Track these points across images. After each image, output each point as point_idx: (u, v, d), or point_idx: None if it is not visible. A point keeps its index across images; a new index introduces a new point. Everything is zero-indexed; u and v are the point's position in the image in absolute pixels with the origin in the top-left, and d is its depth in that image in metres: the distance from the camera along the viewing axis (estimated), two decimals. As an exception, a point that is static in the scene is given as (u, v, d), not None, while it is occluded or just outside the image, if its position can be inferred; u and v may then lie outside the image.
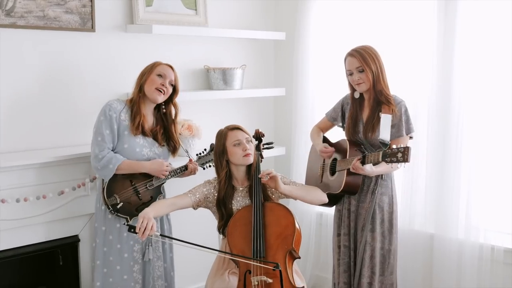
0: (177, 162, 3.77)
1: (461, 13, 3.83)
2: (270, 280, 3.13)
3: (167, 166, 3.54)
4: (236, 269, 3.35)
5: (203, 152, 3.78)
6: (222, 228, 3.45)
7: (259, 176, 3.34)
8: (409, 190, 4.14)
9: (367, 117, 3.60)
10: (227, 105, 4.65)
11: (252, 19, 4.77)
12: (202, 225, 4.04)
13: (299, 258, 3.34)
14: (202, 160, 3.74)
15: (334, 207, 3.80)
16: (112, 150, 3.46)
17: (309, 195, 3.51)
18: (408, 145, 3.22)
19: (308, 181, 3.88)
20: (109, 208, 3.46)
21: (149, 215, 3.10)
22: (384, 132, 3.47)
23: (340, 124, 3.80)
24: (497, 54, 3.82)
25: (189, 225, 4.13)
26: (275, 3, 4.91)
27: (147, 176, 3.53)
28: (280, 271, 3.11)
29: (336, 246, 3.79)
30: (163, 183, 3.59)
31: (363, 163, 3.37)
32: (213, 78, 4.39)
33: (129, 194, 3.49)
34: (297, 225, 3.34)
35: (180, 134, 4.09)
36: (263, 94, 4.67)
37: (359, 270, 3.66)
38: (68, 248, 3.72)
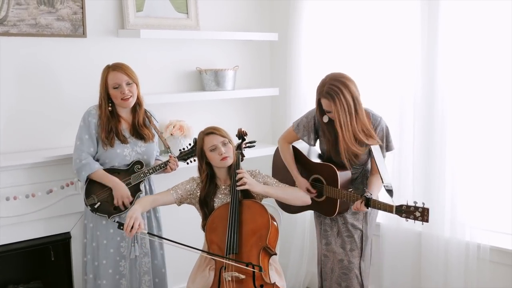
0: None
1: (443, 12, 3.86)
2: (242, 276, 3.23)
3: (128, 200, 3.63)
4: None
5: (187, 147, 3.88)
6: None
7: (237, 184, 3.42)
8: (396, 186, 4.16)
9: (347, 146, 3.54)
10: (221, 106, 4.76)
11: (247, 20, 4.85)
12: (191, 223, 4.13)
13: (275, 254, 3.42)
14: (184, 156, 3.85)
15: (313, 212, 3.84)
16: (94, 154, 3.63)
17: (288, 195, 3.55)
18: (426, 206, 3.22)
19: None
20: (87, 207, 3.64)
21: (136, 214, 3.26)
22: (384, 173, 3.39)
23: (312, 142, 3.69)
24: (479, 52, 3.84)
25: (179, 222, 4.26)
26: (269, 4, 4.98)
27: (126, 174, 3.66)
28: (253, 267, 3.22)
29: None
30: (142, 181, 3.70)
31: (367, 205, 3.36)
32: (205, 80, 4.50)
33: (107, 194, 3.64)
34: (274, 223, 3.43)
35: (171, 134, 4.25)
36: (255, 94, 4.75)
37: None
38: (59, 244, 3.88)
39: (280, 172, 3.91)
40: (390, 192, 3.38)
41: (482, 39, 3.83)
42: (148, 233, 3.31)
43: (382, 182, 3.39)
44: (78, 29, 4.02)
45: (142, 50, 4.31)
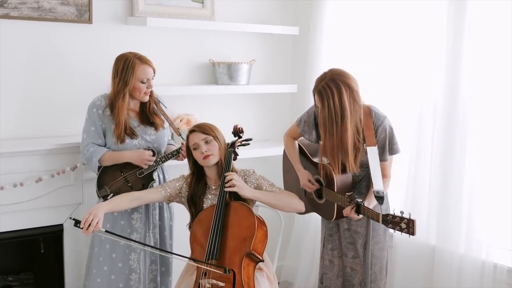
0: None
1: (470, 14, 3.63)
2: (221, 284, 3.01)
3: (150, 156, 3.51)
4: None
5: None
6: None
7: (226, 185, 3.24)
8: (411, 196, 3.94)
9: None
10: (236, 101, 4.56)
11: (266, 13, 4.64)
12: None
13: (261, 261, 3.19)
14: None
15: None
16: (104, 145, 3.53)
17: (279, 202, 3.31)
18: (412, 218, 2.92)
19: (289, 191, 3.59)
20: (100, 199, 3.54)
21: (97, 211, 3.11)
22: (376, 178, 3.14)
23: (313, 138, 3.48)
24: (507, 57, 3.56)
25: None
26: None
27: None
28: (234, 275, 3.01)
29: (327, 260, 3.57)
30: (154, 170, 3.56)
31: (358, 212, 3.12)
32: (218, 73, 4.31)
33: (119, 185, 3.53)
34: (263, 228, 3.21)
35: (178, 128, 4.09)
36: (270, 90, 4.53)
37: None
38: (51, 236, 3.76)
39: (289, 171, 3.70)
40: (379, 199, 3.13)
41: (510, 43, 3.54)
42: (106, 231, 3.14)
43: (372, 187, 3.15)
44: (84, 14, 3.89)
45: (152, 39, 4.15)
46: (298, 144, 3.61)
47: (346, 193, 3.22)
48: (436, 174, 3.84)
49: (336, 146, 3.19)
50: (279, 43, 4.72)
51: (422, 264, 3.92)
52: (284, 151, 3.75)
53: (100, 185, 3.54)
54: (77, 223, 3.05)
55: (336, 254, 3.49)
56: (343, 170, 3.29)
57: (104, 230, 3.12)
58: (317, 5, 4.44)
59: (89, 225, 3.05)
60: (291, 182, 3.68)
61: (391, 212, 3.00)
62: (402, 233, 2.93)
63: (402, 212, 2.94)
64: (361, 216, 3.13)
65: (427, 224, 3.91)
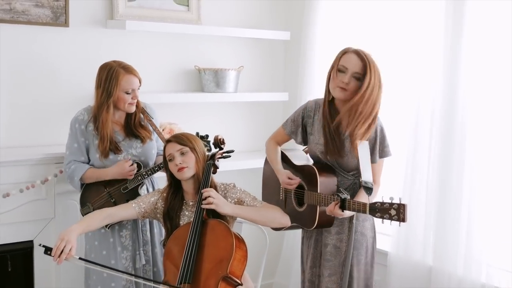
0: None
1: (469, 14, 3.42)
2: None
3: (131, 166, 3.31)
4: None
5: None
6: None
7: (202, 202, 3.00)
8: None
9: None
10: (224, 110, 4.34)
11: (256, 17, 4.42)
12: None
13: (240, 285, 2.94)
14: None
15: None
16: (87, 162, 3.36)
17: (262, 217, 3.07)
18: (403, 202, 2.72)
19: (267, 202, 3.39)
20: None
21: (69, 236, 2.81)
22: (365, 170, 2.92)
23: (300, 140, 3.28)
24: (508, 58, 3.36)
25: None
26: (283, 0, 4.54)
27: (122, 180, 3.34)
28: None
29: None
30: (140, 184, 3.36)
31: (342, 208, 2.91)
32: (204, 80, 4.09)
33: (103, 201, 3.34)
34: (243, 247, 2.96)
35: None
36: (260, 99, 4.30)
37: None
38: (19, 254, 3.53)
39: (267, 183, 3.49)
40: (367, 189, 2.89)
41: (509, 44, 3.34)
42: (80, 258, 2.86)
43: (360, 177, 2.93)
44: (60, 17, 3.68)
45: (134, 43, 3.94)
46: (281, 151, 3.40)
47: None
48: (433, 187, 3.62)
49: (363, 104, 2.99)
50: (269, 48, 4.50)
51: (418, 286, 3.68)
52: (264, 164, 3.53)
53: (83, 202, 3.37)
54: (47, 250, 2.77)
55: (315, 273, 3.27)
56: (328, 171, 3.10)
57: (77, 257, 2.83)
58: (309, 8, 4.23)
59: (62, 252, 2.77)
60: (269, 195, 3.46)
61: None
62: (392, 221, 2.71)
63: (392, 198, 2.73)
64: (346, 213, 2.93)
65: (423, 242, 3.67)
